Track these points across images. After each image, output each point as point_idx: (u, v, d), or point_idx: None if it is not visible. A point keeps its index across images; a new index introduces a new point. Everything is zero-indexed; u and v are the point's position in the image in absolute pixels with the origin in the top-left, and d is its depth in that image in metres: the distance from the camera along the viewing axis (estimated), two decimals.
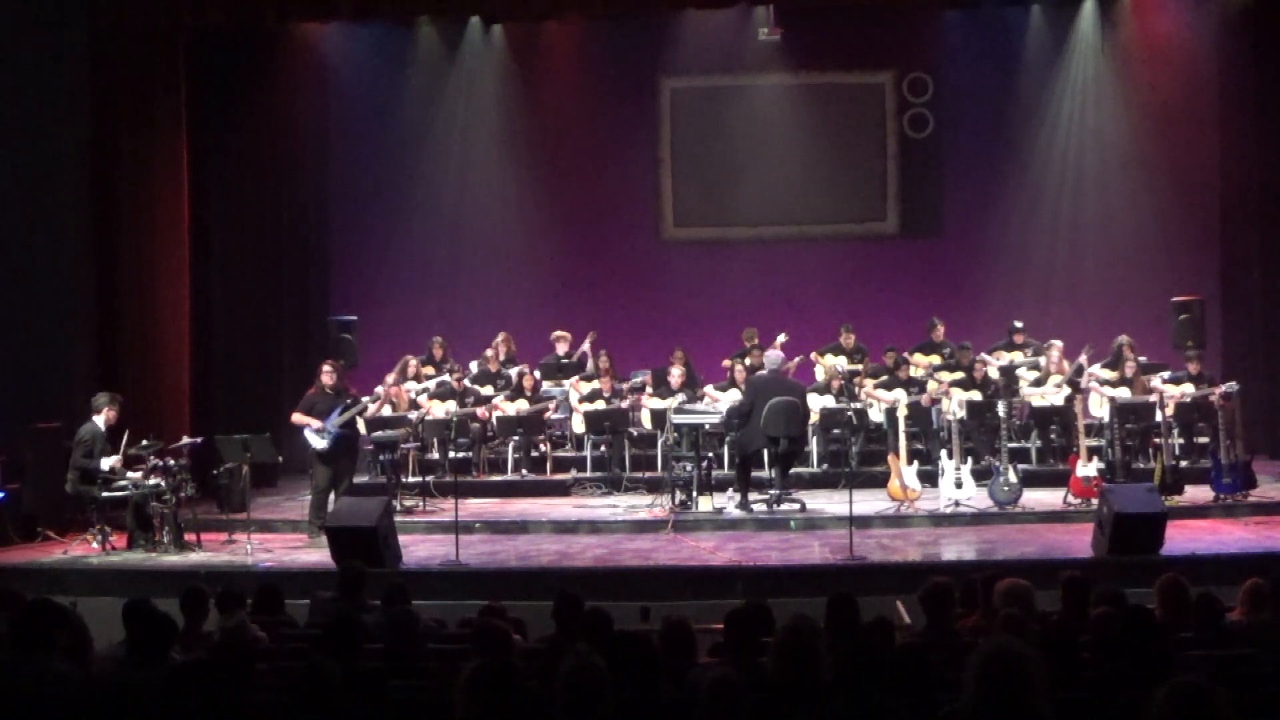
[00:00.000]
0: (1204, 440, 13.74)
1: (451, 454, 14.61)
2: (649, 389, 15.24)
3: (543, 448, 15.08)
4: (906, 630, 7.13)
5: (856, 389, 14.51)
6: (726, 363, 15.28)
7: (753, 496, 12.87)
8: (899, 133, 17.21)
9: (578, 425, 15.06)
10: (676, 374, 14.83)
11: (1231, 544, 11.16)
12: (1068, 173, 16.95)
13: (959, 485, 12.54)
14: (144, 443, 12.10)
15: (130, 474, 11.87)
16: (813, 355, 15.31)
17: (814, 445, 14.67)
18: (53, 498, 12.65)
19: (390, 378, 14.49)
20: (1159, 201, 16.57)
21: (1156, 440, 13.12)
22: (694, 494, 12.98)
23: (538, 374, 15.32)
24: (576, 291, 16.95)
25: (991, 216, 16.91)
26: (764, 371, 13.17)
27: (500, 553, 11.60)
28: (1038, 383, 14.79)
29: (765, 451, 13.15)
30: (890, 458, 13.08)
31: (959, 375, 14.33)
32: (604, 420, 14.68)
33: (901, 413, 13.41)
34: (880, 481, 13.16)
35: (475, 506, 13.55)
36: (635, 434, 14.91)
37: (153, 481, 11.76)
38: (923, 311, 15.94)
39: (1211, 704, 3.49)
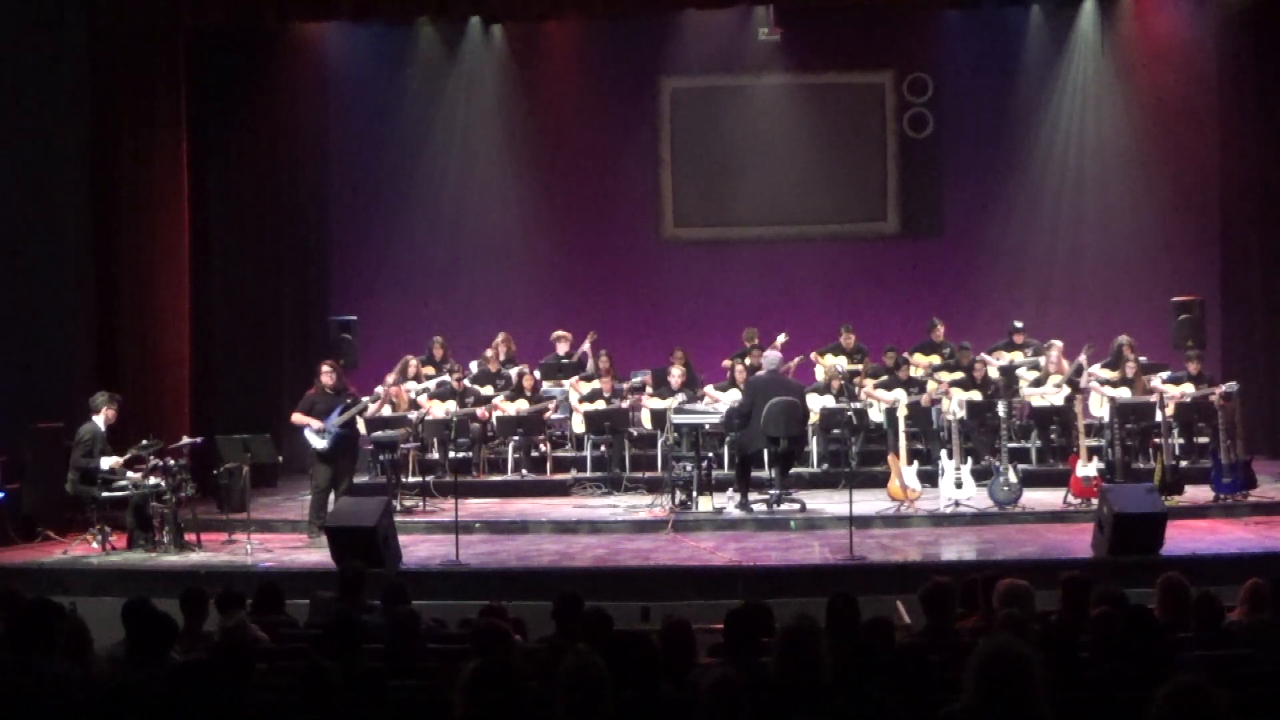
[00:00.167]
0: (1204, 440, 13.74)
1: (451, 454, 14.61)
2: (649, 389, 15.24)
3: (543, 448, 15.08)
4: (906, 630, 7.13)
5: (856, 389, 14.51)
6: (726, 363, 15.28)
7: (753, 496, 12.87)
8: (899, 133, 17.20)
9: (578, 425, 15.06)
10: (676, 374, 14.83)
11: (1231, 544, 11.15)
12: (1068, 173, 16.95)
13: (959, 485, 12.54)
14: (144, 442, 12.10)
15: (130, 474, 11.87)
16: (813, 355, 15.31)
17: (814, 445, 14.67)
18: (53, 498, 12.65)
19: (390, 378, 14.49)
20: (1159, 201, 16.58)
21: (1156, 440, 13.12)
22: (694, 494, 12.97)
23: (538, 374, 15.32)
24: (576, 291, 16.95)
25: (991, 216, 16.91)
26: (762, 372, 13.17)
27: (500, 553, 11.59)
28: (1037, 383, 14.79)
29: (765, 451, 13.15)
30: (890, 458, 13.08)
31: (958, 375, 14.33)
32: (604, 420, 14.68)
33: (901, 413, 13.41)
34: (880, 481, 13.16)
35: (475, 506, 13.55)
36: (635, 434, 14.91)
37: (153, 481, 11.76)
38: (923, 311, 15.94)
39: (1211, 704, 3.49)
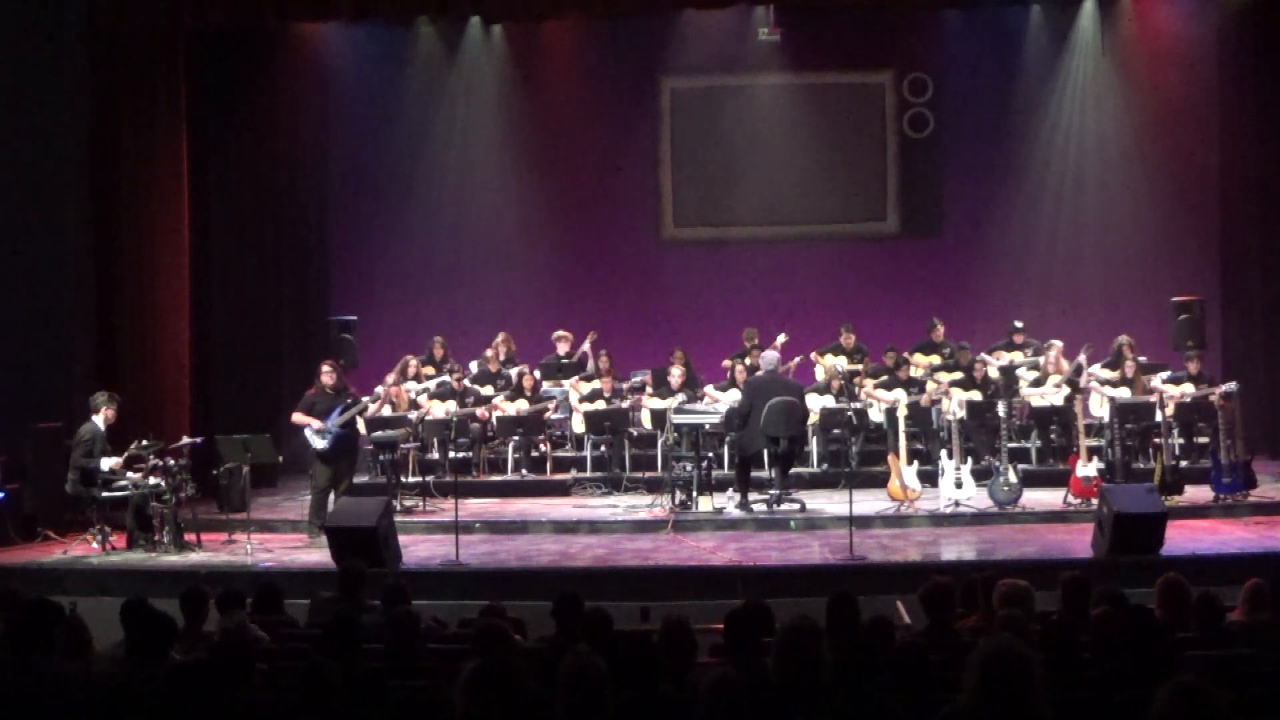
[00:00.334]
0: (1204, 440, 13.74)
1: (451, 454, 14.62)
2: (649, 389, 15.24)
3: (543, 448, 15.08)
4: (906, 630, 7.13)
5: (856, 389, 14.51)
6: (726, 363, 15.28)
7: (753, 496, 12.87)
8: (899, 133, 17.20)
9: (578, 425, 15.06)
10: (676, 374, 14.83)
11: (1231, 544, 11.16)
12: (1068, 173, 16.94)
13: (959, 485, 12.54)
14: (144, 443, 12.10)
15: (130, 474, 11.87)
16: (813, 355, 15.31)
17: (814, 445, 14.68)
18: (53, 498, 12.65)
19: (390, 378, 14.49)
20: (1159, 201, 16.58)
21: (1156, 440, 13.12)
22: (694, 494, 12.97)
23: (538, 374, 15.32)
24: (576, 291, 16.95)
25: (991, 216, 16.91)
26: (760, 372, 13.17)
27: (500, 553, 11.59)
28: (1037, 383, 14.79)
29: (765, 451, 13.15)
30: (890, 458, 13.08)
31: (958, 375, 14.33)
32: (604, 420, 14.68)
33: (901, 413, 13.40)
34: (880, 481, 13.16)
35: (475, 506, 13.55)
36: (635, 434, 14.91)
37: (153, 481, 11.76)
38: (923, 311, 15.94)
39: (1211, 704, 3.49)
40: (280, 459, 13.55)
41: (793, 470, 13.35)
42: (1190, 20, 16.42)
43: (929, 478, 13.07)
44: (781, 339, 14.83)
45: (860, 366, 15.16)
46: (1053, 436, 14.56)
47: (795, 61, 16.89)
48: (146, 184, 14.46)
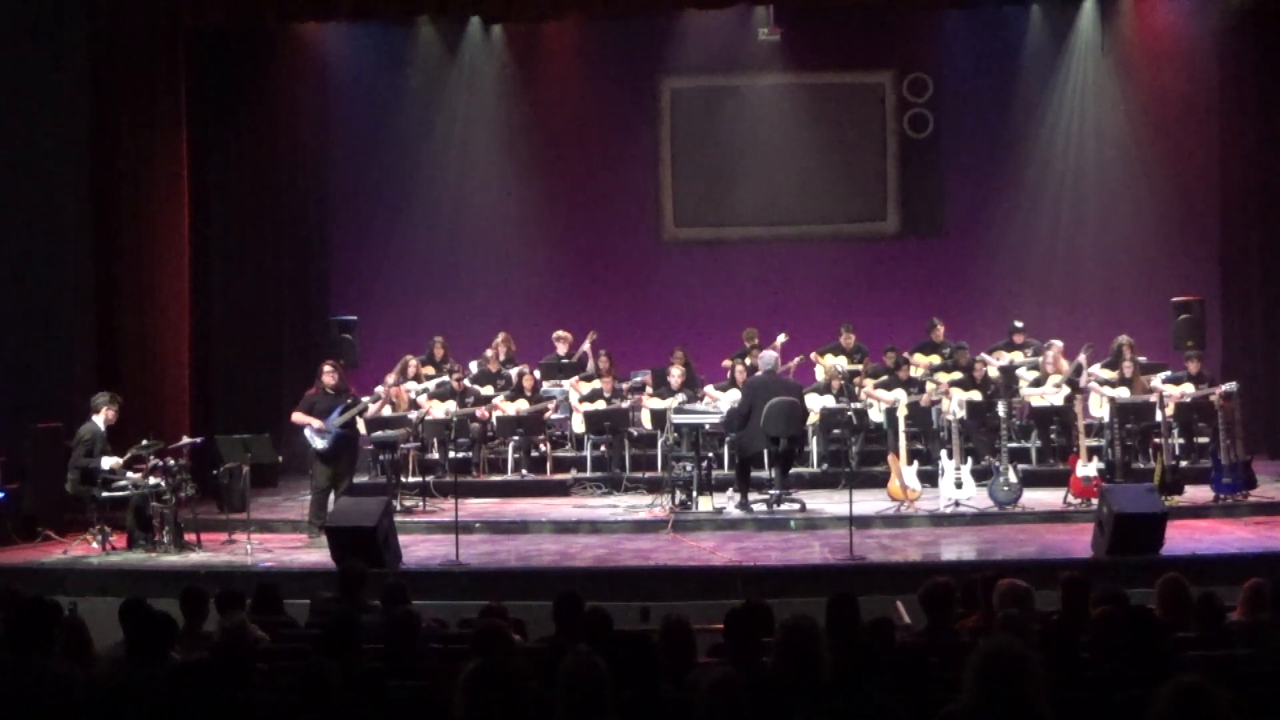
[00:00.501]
0: (1204, 440, 13.75)
1: (451, 454, 14.62)
2: (649, 389, 15.24)
3: (543, 448, 15.08)
4: (906, 630, 7.13)
5: (856, 389, 14.51)
6: (726, 363, 15.28)
7: (753, 496, 12.87)
8: (899, 133, 17.21)
9: (578, 425, 15.06)
10: (676, 374, 14.83)
11: (1231, 544, 11.16)
12: (1068, 173, 16.95)
13: (959, 485, 12.54)
14: (144, 443, 12.10)
15: (130, 474, 11.87)
16: (813, 355, 15.31)
17: (814, 445, 14.68)
18: (53, 498, 12.64)
19: (390, 378, 14.49)
20: (1159, 201, 16.58)
21: (1156, 440, 13.12)
22: (694, 494, 12.97)
23: (538, 374, 15.32)
24: (576, 291, 16.95)
25: (991, 216, 16.92)
26: (759, 373, 13.18)
27: (500, 553, 11.59)
28: (1037, 383, 14.79)
29: (765, 451, 13.15)
30: (890, 458, 13.08)
31: (957, 375, 14.33)
32: (604, 420, 14.69)
33: (901, 413, 13.40)
34: (880, 481, 13.16)
35: (475, 506, 13.55)
36: (635, 434, 14.90)
37: (153, 481, 11.76)
38: (923, 311, 15.94)
39: (1212, 704, 3.49)
40: (280, 459, 13.56)
41: (793, 470, 13.35)
42: (1190, 20, 16.42)
43: (929, 478, 13.07)
44: (781, 339, 14.83)
45: (860, 366, 15.16)
46: (1053, 436, 14.56)
47: (795, 61, 16.89)
48: (146, 184, 14.46)
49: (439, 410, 14.53)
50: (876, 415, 14.29)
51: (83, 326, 14.17)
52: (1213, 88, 16.45)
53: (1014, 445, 13.24)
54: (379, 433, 13.61)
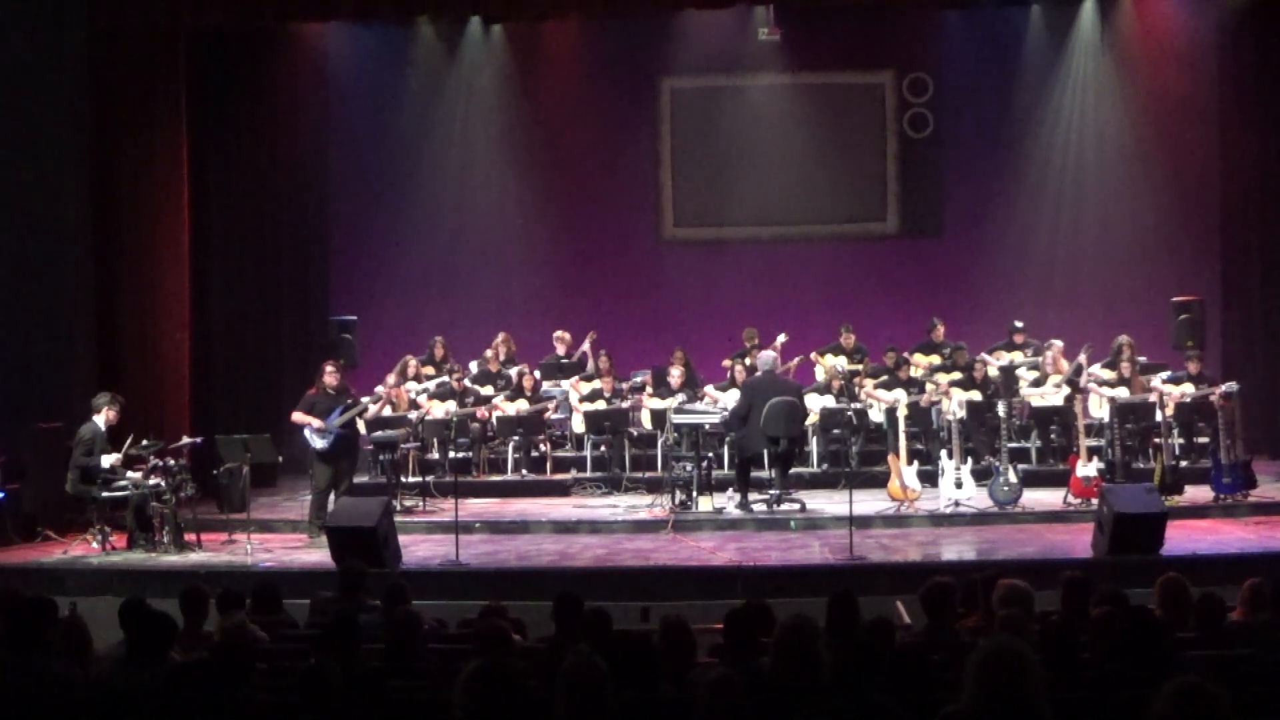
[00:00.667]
0: (1204, 440, 13.74)
1: (451, 454, 14.62)
2: (649, 389, 15.24)
3: (543, 448, 15.08)
4: (906, 630, 7.13)
5: (856, 389, 14.51)
6: (726, 363, 15.28)
7: (753, 496, 12.87)
8: (899, 133, 17.20)
9: (578, 425, 15.06)
10: (676, 374, 14.83)
11: (1231, 544, 11.16)
12: (1068, 173, 16.94)
13: (959, 485, 12.54)
14: (144, 443, 12.10)
15: (130, 474, 11.87)
16: (813, 355, 15.31)
17: (814, 445, 14.68)
18: (53, 498, 12.64)
19: (390, 378, 14.48)
20: (1159, 201, 16.58)
21: (1156, 440, 13.12)
22: (694, 494, 12.97)
23: (538, 374, 15.32)
24: (576, 291, 16.95)
25: (991, 216, 16.91)
26: (758, 373, 13.17)
27: (500, 553, 11.59)
28: (1037, 383, 14.79)
29: (765, 451, 13.15)
30: (890, 458, 13.08)
31: (957, 375, 14.33)
32: (604, 420, 14.68)
33: (901, 413, 13.40)
34: (880, 481, 13.16)
35: (475, 506, 13.55)
36: (635, 434, 14.90)
37: (153, 481, 11.76)
38: (923, 311, 15.94)
39: (1212, 704, 3.49)
40: (280, 459, 13.57)
41: (793, 470, 13.36)
42: (1190, 19, 16.42)
43: (929, 478, 13.07)
44: (781, 339, 14.83)
45: (860, 366, 15.16)
46: (1053, 436, 14.56)
47: (795, 62, 16.89)
48: (146, 184, 14.46)
49: (439, 410, 14.53)
50: (876, 415, 14.29)
51: (83, 326, 14.16)
52: (1213, 87, 16.44)
53: (1014, 445, 13.24)
54: (379, 433, 13.61)
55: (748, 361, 14.42)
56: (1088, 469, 12.59)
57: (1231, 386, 13.17)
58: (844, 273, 17.03)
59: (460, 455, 14.77)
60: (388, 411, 13.90)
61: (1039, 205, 16.93)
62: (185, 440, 12.49)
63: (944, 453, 12.75)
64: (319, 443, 12.27)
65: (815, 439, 14.64)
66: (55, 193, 14.08)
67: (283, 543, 12.20)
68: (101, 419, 11.94)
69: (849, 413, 13.93)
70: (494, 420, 14.70)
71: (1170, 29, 16.57)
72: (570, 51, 17.11)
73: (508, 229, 17.16)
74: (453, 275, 17.12)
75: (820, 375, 14.98)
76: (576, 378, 15.40)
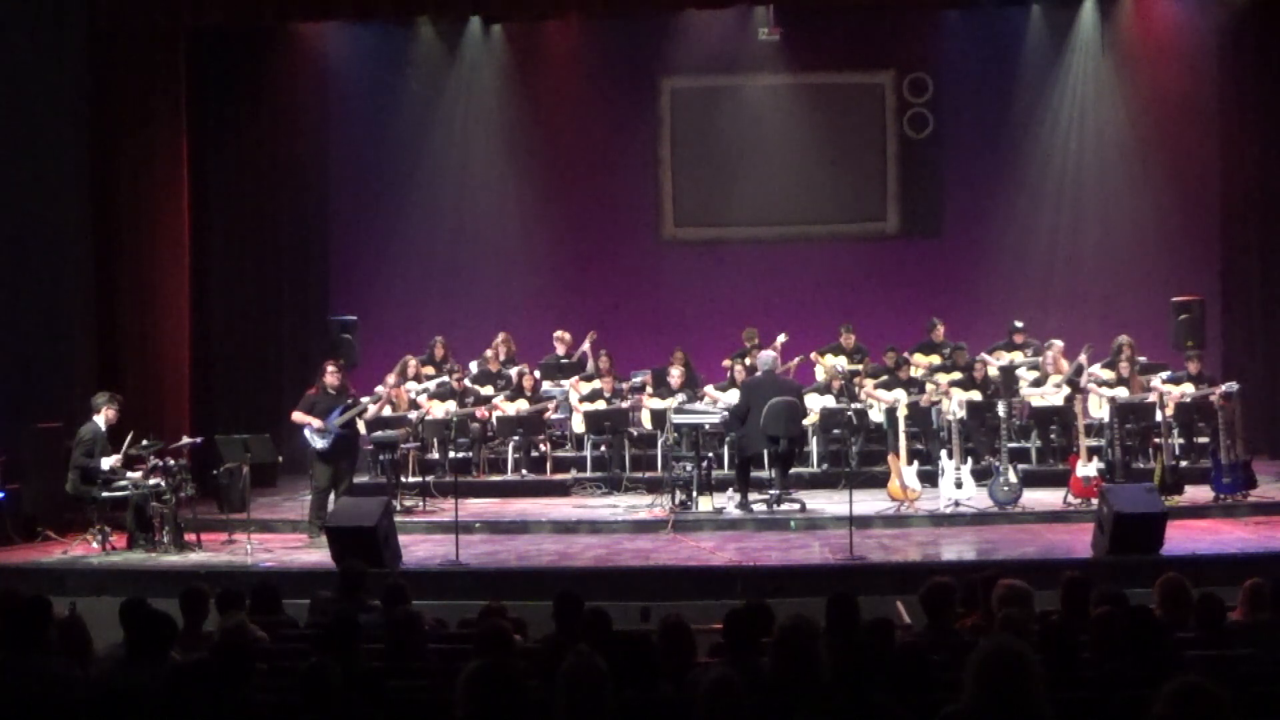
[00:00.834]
0: (1204, 440, 13.74)
1: (451, 454, 14.62)
2: (649, 389, 15.24)
3: (543, 448, 15.08)
4: (906, 630, 7.13)
5: (856, 389, 14.51)
6: (726, 363, 15.28)
7: (753, 496, 12.87)
8: (899, 133, 17.20)
9: (578, 425, 15.06)
10: (676, 374, 14.83)
11: (1231, 544, 11.16)
12: (1068, 173, 16.94)
13: (959, 485, 12.54)
14: (144, 443, 12.10)
15: (130, 474, 11.87)
16: (813, 355, 15.31)
17: (814, 445, 14.68)
18: (53, 498, 12.64)
19: (390, 378, 14.48)
20: (1159, 201, 16.57)
21: (1156, 440, 13.12)
22: (694, 494, 12.98)
23: (538, 374, 15.32)
24: (576, 291, 16.95)
25: (991, 216, 16.91)
26: (758, 373, 13.17)
27: (500, 553, 11.60)
28: (1037, 383, 14.79)
29: (765, 451, 13.15)
30: (890, 458, 13.08)
31: (957, 375, 14.33)
32: (604, 420, 14.68)
33: (901, 413, 13.40)
34: (880, 481, 13.16)
35: (475, 506, 13.55)
36: (635, 434, 14.90)
37: (153, 481, 11.76)
38: (923, 311, 15.94)
39: (1212, 704, 3.48)
40: (280, 459, 13.57)
41: (793, 470, 13.36)
42: (1191, 19, 16.42)
43: (929, 478, 13.07)
44: (781, 339, 14.83)
45: (860, 366, 15.16)
46: (1053, 436, 14.56)
47: (795, 62, 16.89)
48: (146, 184, 14.47)
49: (439, 410, 14.53)
50: (876, 415, 14.29)
51: (83, 326, 14.16)
52: (1213, 87, 16.44)
53: (1014, 445, 13.24)
54: (379, 433, 13.61)
55: (748, 361, 14.42)
56: (1088, 469, 12.59)
57: (1231, 386, 13.17)
58: (844, 273, 17.02)
59: (460, 455, 14.77)
60: (388, 411, 13.91)
61: (1039, 205, 16.93)
62: (185, 440, 12.49)
63: (944, 453, 12.75)
64: (319, 443, 12.27)
65: (815, 439, 14.64)
66: (55, 193, 14.08)
67: (283, 543, 12.20)
68: (101, 419, 11.94)
69: (849, 413, 13.93)
70: (494, 420, 14.70)
71: (1170, 29, 16.57)
72: (570, 51, 17.11)
73: (508, 229, 17.15)
74: (453, 275, 17.12)
75: (820, 375, 14.98)
76: (576, 378, 15.40)
